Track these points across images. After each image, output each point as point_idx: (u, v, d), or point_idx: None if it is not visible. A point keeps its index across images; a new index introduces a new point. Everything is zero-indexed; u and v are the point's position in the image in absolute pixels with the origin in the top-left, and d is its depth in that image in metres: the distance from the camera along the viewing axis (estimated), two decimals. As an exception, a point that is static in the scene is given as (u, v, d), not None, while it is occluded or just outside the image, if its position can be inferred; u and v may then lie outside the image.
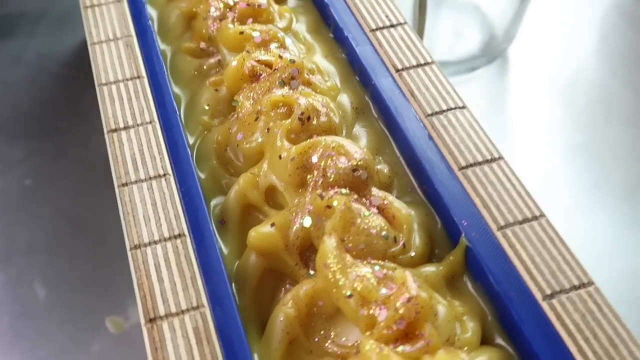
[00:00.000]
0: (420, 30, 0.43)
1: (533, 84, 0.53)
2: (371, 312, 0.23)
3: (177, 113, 0.31)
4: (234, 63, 0.31)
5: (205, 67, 0.34)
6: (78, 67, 0.54)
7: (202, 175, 0.30)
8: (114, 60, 0.32)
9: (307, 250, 0.27)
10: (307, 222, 0.26)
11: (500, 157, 0.28)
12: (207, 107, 0.32)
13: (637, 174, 0.48)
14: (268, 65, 0.32)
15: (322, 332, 0.25)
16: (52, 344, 0.39)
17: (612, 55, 0.55)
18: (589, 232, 0.44)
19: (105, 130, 0.30)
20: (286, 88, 0.30)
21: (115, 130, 0.30)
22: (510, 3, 0.51)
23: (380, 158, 0.30)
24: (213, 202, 0.29)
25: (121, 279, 0.41)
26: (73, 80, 0.54)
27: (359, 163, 0.27)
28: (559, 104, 0.52)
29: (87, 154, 0.48)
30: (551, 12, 0.57)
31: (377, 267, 0.24)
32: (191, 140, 0.31)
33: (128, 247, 0.25)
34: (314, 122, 0.29)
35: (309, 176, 0.27)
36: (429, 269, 0.25)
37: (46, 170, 0.48)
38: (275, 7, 0.36)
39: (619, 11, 0.59)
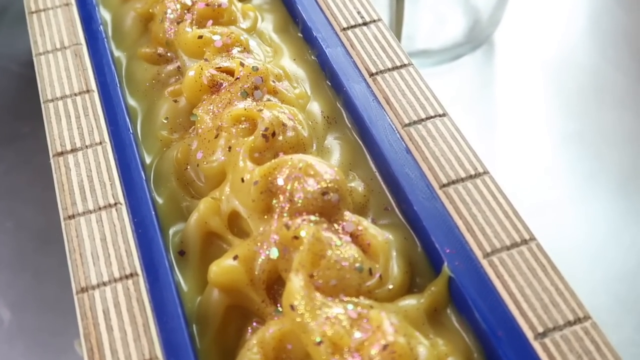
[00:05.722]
0: (398, 20, 0.40)
1: (521, 71, 0.50)
2: (344, 360, 0.20)
3: (131, 131, 0.28)
4: (191, 73, 0.29)
5: (163, 74, 0.31)
6: (40, 67, 0.51)
7: (160, 200, 0.27)
8: (61, 73, 0.30)
9: (274, 284, 0.24)
10: (274, 253, 0.24)
11: (485, 172, 0.25)
12: (165, 121, 0.30)
13: (633, 161, 0.45)
14: (230, 72, 0.29)
15: (291, 379, 0.22)
16: (16, 372, 0.37)
17: (602, 37, 0.52)
18: (584, 226, 0.42)
19: (50, 154, 0.27)
20: (249, 100, 0.28)
21: (61, 153, 0.27)
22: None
23: (355, 174, 0.27)
24: (172, 230, 0.26)
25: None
26: (36, 82, 0.51)
27: (329, 185, 0.24)
28: (548, 91, 0.50)
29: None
30: (538, -7, 0.55)
31: (350, 306, 0.22)
32: (149, 159, 0.28)
33: (74, 291, 0.23)
34: (280, 137, 0.26)
35: (274, 201, 0.24)
36: (409, 302, 0.23)
37: (8, 180, 0.45)
38: (239, 5, 0.33)
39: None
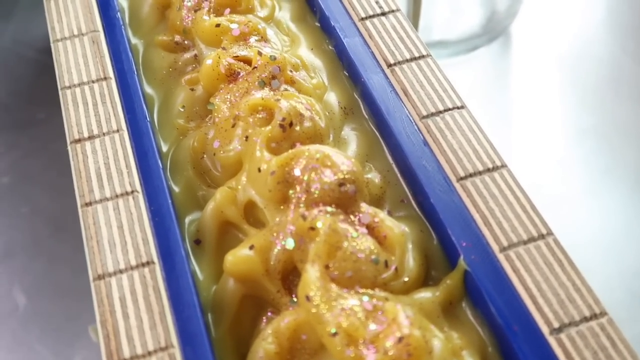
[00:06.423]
0: (416, 10, 0.40)
1: (538, 63, 0.50)
2: (359, 352, 0.21)
3: (148, 119, 0.28)
4: (209, 62, 0.29)
5: (180, 62, 0.31)
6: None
7: (177, 188, 0.27)
8: (79, 60, 0.30)
9: (290, 275, 0.24)
10: (290, 244, 0.24)
11: (503, 165, 0.25)
12: (182, 109, 0.30)
13: (649, 156, 0.45)
14: (247, 61, 0.29)
15: (306, 369, 0.22)
16: (32, 355, 0.37)
17: (621, 28, 0.52)
18: (599, 221, 0.42)
19: (68, 141, 0.27)
20: (267, 89, 0.27)
21: (79, 140, 0.27)
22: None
23: (372, 166, 0.27)
24: (188, 219, 0.26)
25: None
26: (52, 68, 0.51)
27: (347, 177, 0.24)
28: (565, 84, 0.49)
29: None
30: (556, -15, 0.54)
31: (365, 298, 0.22)
32: (165, 147, 0.28)
33: (91, 278, 0.23)
34: (297, 128, 0.26)
35: (291, 191, 0.24)
36: (425, 295, 0.23)
37: (24, 166, 0.45)
38: (256, -7, 0.33)
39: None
